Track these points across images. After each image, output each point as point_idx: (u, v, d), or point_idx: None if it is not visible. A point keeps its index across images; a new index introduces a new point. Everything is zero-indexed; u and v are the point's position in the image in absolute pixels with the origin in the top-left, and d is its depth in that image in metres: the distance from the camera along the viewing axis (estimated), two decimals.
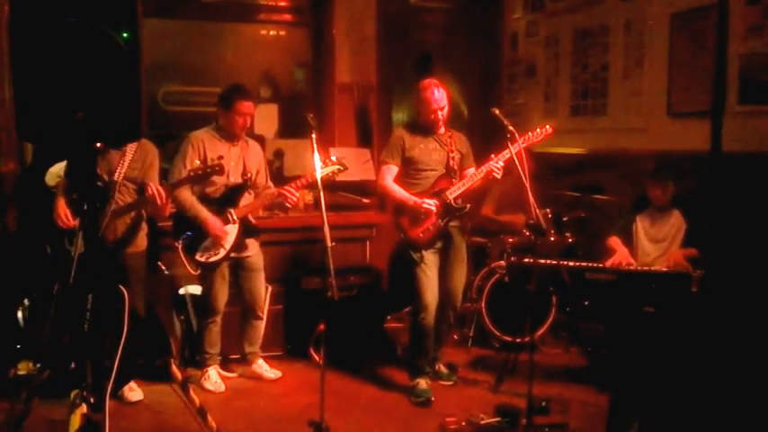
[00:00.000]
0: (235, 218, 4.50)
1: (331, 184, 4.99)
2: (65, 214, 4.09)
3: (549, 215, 5.26)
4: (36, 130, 2.49)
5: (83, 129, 2.42)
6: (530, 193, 3.94)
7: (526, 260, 4.32)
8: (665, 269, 4.22)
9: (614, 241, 4.62)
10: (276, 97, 6.71)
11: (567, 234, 5.35)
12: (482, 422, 4.00)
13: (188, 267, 4.47)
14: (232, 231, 4.51)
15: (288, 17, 6.62)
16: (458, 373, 4.86)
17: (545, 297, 5.16)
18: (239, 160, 4.61)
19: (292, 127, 6.39)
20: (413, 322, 4.62)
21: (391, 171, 4.58)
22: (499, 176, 4.44)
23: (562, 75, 6.18)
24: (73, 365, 3.73)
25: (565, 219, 5.42)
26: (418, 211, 4.45)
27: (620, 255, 4.50)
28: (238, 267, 4.67)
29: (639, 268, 4.29)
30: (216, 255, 4.49)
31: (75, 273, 3.45)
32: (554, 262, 4.25)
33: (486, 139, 5.27)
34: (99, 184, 4.05)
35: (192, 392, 4.00)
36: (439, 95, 4.49)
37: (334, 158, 4.53)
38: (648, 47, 5.28)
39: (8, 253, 4.81)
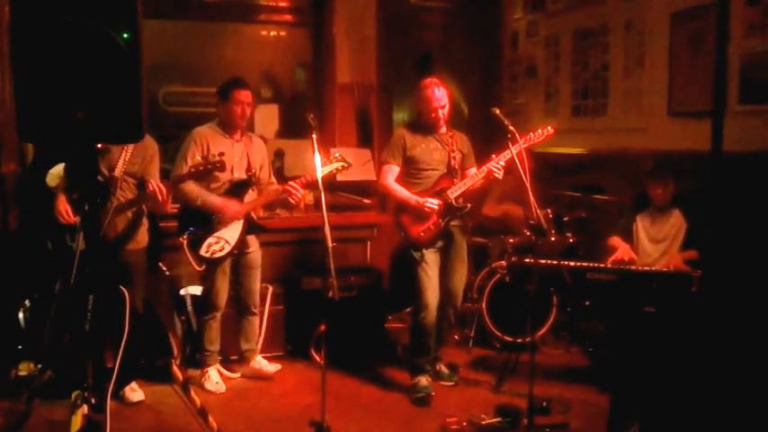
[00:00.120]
0: (239, 215, 4.51)
1: (331, 185, 4.99)
2: (65, 210, 4.10)
3: (550, 215, 5.26)
4: (36, 131, 2.49)
5: (83, 129, 2.42)
6: (530, 193, 3.94)
7: (527, 260, 4.32)
8: (665, 269, 4.22)
9: (615, 240, 4.63)
10: (277, 97, 6.71)
11: (568, 234, 5.35)
12: (483, 422, 4.00)
13: (192, 263, 4.48)
14: (237, 228, 4.52)
15: (288, 17, 6.62)
16: (459, 374, 4.86)
17: (546, 297, 5.16)
18: (243, 156, 4.62)
19: (293, 127, 6.39)
20: (413, 322, 4.62)
21: (392, 171, 4.58)
22: (500, 176, 4.43)
23: (562, 74, 6.18)
24: (74, 366, 3.74)
25: (565, 219, 5.42)
26: (421, 211, 4.45)
27: (622, 251, 4.51)
28: (237, 264, 4.68)
29: (640, 268, 4.29)
30: (221, 250, 4.50)
31: (76, 272, 3.46)
32: (555, 262, 4.25)
33: (486, 138, 5.27)
34: (99, 179, 4.05)
35: (192, 393, 4.00)
36: (439, 94, 4.49)
37: (337, 155, 4.53)
38: (649, 46, 5.27)
39: (9, 253, 4.81)
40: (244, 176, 4.59)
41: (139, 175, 4.22)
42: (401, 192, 4.53)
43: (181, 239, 4.48)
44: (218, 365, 4.77)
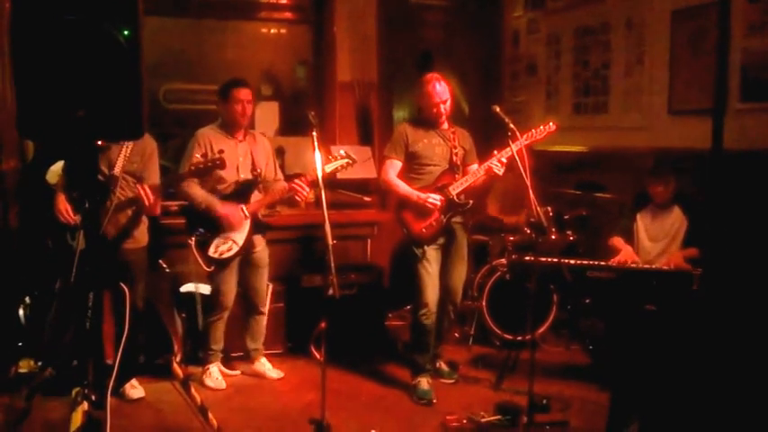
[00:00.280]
0: (247, 213, 4.52)
1: (332, 182, 4.99)
2: (65, 210, 4.10)
3: (551, 213, 5.25)
4: (37, 128, 2.49)
5: (83, 127, 2.41)
6: (531, 191, 3.94)
7: (527, 258, 4.32)
8: (665, 267, 4.22)
9: (617, 241, 4.63)
10: (277, 95, 6.71)
11: (568, 232, 5.35)
12: (483, 420, 4.00)
13: (201, 264, 4.49)
14: (244, 227, 4.52)
15: (289, 15, 6.62)
16: (459, 371, 4.86)
17: (546, 295, 5.16)
18: (247, 156, 4.62)
19: (293, 125, 6.38)
20: (414, 319, 4.62)
21: (394, 166, 4.58)
22: (500, 173, 4.43)
23: (563, 72, 6.18)
24: (75, 363, 3.75)
25: (566, 217, 5.42)
26: (422, 207, 4.45)
27: (624, 253, 4.51)
28: (244, 263, 4.68)
29: (640, 266, 4.29)
30: (229, 251, 4.51)
31: (76, 270, 3.46)
32: (555, 260, 4.25)
33: (487, 137, 5.27)
34: (99, 178, 4.05)
35: (193, 390, 4.00)
36: (441, 89, 4.49)
37: (342, 152, 4.53)
38: (649, 45, 5.27)
39: (9, 250, 4.81)
40: (249, 177, 4.60)
41: (138, 173, 4.23)
42: (403, 187, 4.53)
43: (189, 241, 4.49)
44: (219, 363, 4.78)
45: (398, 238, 4.90)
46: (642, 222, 4.62)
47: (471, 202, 4.55)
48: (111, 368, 3.42)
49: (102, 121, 2.46)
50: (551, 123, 4.48)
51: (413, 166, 4.58)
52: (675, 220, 4.51)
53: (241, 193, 4.57)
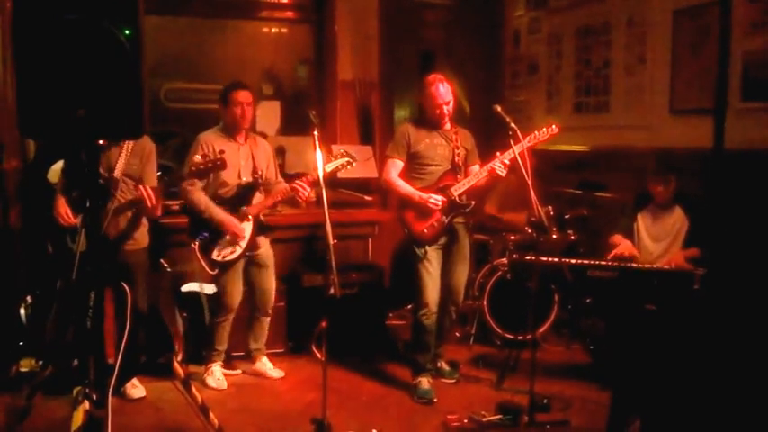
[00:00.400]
0: (249, 216, 4.53)
1: (333, 182, 5.00)
2: (65, 212, 4.11)
3: (551, 213, 5.25)
4: (38, 127, 2.49)
5: (84, 126, 2.42)
6: (532, 191, 3.93)
7: (528, 258, 4.32)
8: (666, 267, 4.22)
9: (617, 238, 4.62)
10: (278, 94, 6.71)
11: (569, 231, 5.35)
12: (484, 419, 4.00)
13: (205, 267, 4.51)
14: (247, 229, 4.54)
15: (290, 14, 6.62)
16: (460, 371, 4.86)
17: (547, 294, 5.16)
18: (249, 159, 4.63)
19: (294, 124, 6.38)
20: (415, 319, 4.62)
21: (396, 166, 4.58)
22: (503, 174, 4.43)
23: (564, 72, 6.17)
24: (75, 362, 3.75)
25: (567, 216, 5.42)
26: (424, 207, 4.45)
27: (623, 246, 4.50)
28: (249, 264, 4.69)
29: (641, 265, 4.28)
30: (232, 253, 4.52)
31: (77, 270, 3.46)
32: (556, 259, 4.25)
33: (488, 136, 5.27)
34: (99, 181, 4.05)
35: (194, 389, 4.00)
36: (444, 90, 4.49)
37: (342, 151, 4.54)
38: (651, 44, 5.27)
39: (11, 250, 4.81)
40: (251, 179, 4.61)
41: (137, 175, 4.22)
42: (405, 187, 4.53)
43: (192, 245, 4.50)
44: (221, 363, 4.78)
45: (399, 237, 4.90)
46: (643, 222, 4.61)
47: (473, 203, 4.55)
48: (112, 367, 3.42)
49: (102, 120, 2.46)
50: (554, 126, 4.46)
51: (414, 166, 4.58)
52: (677, 220, 4.51)
53: (243, 196, 4.58)
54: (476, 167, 4.58)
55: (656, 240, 4.57)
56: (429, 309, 4.50)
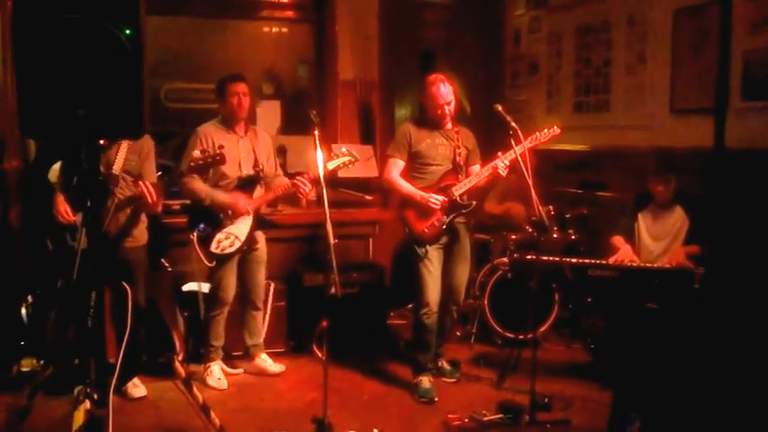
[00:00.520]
0: (249, 209, 4.53)
1: (333, 181, 5.00)
2: (65, 210, 4.11)
3: (552, 212, 5.26)
4: (38, 127, 2.49)
5: (85, 125, 2.42)
6: (533, 191, 3.93)
7: (529, 257, 4.32)
8: (667, 266, 4.22)
9: (618, 240, 4.63)
10: (279, 94, 6.72)
11: (570, 231, 5.35)
12: (485, 419, 3.99)
13: (203, 259, 4.50)
14: (246, 223, 4.53)
15: (290, 14, 6.62)
16: (460, 370, 4.86)
17: (547, 294, 5.16)
18: (249, 152, 4.63)
19: (295, 124, 6.39)
20: (415, 318, 4.62)
21: (397, 165, 4.58)
22: (504, 175, 4.43)
23: (564, 71, 6.17)
24: (77, 362, 3.75)
25: (567, 216, 5.42)
26: (425, 207, 4.45)
27: (623, 253, 4.50)
28: (244, 259, 4.69)
29: (642, 265, 4.29)
30: (231, 246, 4.51)
31: (78, 269, 3.46)
32: (557, 259, 4.25)
33: (489, 135, 5.27)
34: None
35: (195, 389, 4.00)
36: (445, 90, 4.49)
37: (343, 149, 4.54)
38: (651, 43, 5.27)
39: (12, 249, 4.82)
40: (252, 172, 4.61)
41: (136, 172, 4.23)
42: (406, 187, 4.53)
43: (191, 236, 4.50)
44: (221, 362, 4.78)
45: (400, 237, 4.90)
46: (644, 222, 4.62)
47: (474, 203, 4.56)
48: (113, 367, 3.43)
49: (103, 119, 2.46)
50: (555, 127, 4.45)
51: (416, 165, 4.58)
52: (677, 219, 4.51)
53: (243, 188, 4.57)
54: (477, 167, 4.58)
55: (656, 240, 4.57)
56: (430, 308, 4.50)
